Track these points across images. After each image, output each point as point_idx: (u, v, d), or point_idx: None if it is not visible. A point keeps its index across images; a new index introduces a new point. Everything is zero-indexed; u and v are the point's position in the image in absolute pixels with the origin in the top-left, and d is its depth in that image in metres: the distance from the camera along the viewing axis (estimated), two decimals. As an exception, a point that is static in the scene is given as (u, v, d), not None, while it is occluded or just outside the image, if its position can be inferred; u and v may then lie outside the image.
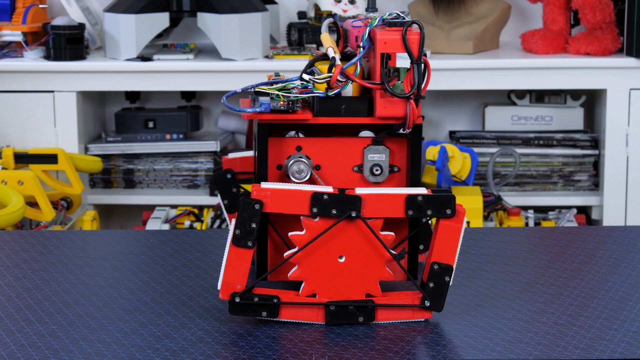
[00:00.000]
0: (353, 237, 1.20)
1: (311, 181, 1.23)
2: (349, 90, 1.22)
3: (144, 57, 2.83)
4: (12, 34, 2.87)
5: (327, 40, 1.24)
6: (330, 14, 2.94)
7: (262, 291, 1.21)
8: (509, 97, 3.07)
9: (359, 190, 1.19)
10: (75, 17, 2.97)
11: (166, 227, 2.65)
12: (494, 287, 1.34)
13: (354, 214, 1.18)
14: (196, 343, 1.16)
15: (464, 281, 1.36)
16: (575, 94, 3.03)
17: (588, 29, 2.87)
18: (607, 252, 1.48)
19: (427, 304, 1.21)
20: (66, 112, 2.82)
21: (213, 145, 2.96)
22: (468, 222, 2.58)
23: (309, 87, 1.20)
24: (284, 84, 1.20)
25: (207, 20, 2.81)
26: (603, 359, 1.12)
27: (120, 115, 3.00)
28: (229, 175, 1.38)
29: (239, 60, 2.79)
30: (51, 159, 2.70)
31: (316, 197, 1.18)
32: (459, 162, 2.77)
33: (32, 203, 2.58)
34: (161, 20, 2.84)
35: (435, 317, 1.23)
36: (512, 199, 2.88)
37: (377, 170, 1.24)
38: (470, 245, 1.51)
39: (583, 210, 2.94)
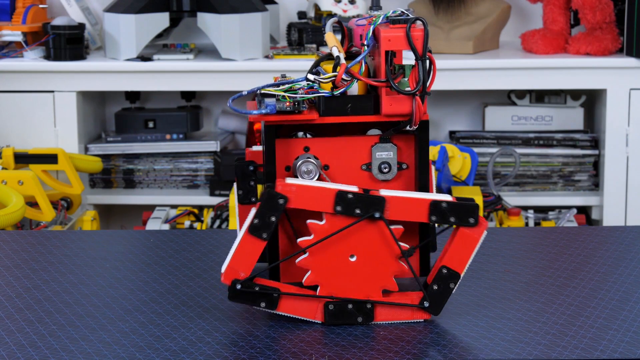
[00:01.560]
0: (369, 238, 1.19)
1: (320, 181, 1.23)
2: (355, 89, 1.22)
3: (144, 57, 2.83)
4: (12, 34, 2.87)
5: (332, 40, 1.24)
6: (330, 14, 2.94)
7: (263, 282, 1.21)
8: (509, 97, 3.07)
9: (384, 192, 1.19)
10: (75, 17, 2.97)
11: (166, 227, 2.65)
12: (494, 287, 1.34)
13: (377, 215, 1.18)
14: (196, 343, 1.16)
15: (464, 281, 1.35)
16: (575, 94, 3.03)
17: (588, 29, 2.87)
18: (607, 252, 1.48)
19: (426, 304, 1.21)
20: (66, 112, 2.82)
21: (213, 145, 2.96)
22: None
23: (315, 87, 1.20)
24: (290, 85, 1.20)
25: (207, 20, 2.81)
26: (603, 359, 1.12)
27: (120, 115, 3.00)
28: (251, 167, 1.37)
29: (239, 60, 2.79)
30: (51, 159, 2.70)
31: (341, 195, 1.18)
32: (459, 162, 2.77)
33: (32, 203, 2.58)
34: (161, 20, 2.84)
35: (436, 317, 1.23)
36: (512, 199, 2.88)
37: (385, 168, 1.23)
38: (470, 245, 1.51)
39: (583, 210, 2.94)
